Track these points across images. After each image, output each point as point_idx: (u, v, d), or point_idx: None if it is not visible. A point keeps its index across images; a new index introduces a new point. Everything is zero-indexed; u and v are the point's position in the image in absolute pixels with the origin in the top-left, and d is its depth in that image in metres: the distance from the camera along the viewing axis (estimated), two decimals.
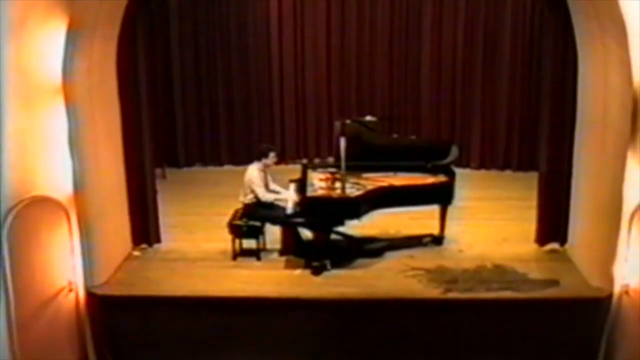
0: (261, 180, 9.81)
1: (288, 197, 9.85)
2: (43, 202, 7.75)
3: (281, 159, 13.35)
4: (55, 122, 8.10)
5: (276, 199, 9.86)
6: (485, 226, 10.99)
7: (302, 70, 14.19)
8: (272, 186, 10.09)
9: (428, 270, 9.56)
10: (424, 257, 10.00)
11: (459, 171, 10.53)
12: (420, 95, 14.22)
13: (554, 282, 9.23)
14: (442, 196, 10.16)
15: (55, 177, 8.12)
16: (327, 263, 9.60)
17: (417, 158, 10.28)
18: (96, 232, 8.84)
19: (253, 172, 9.84)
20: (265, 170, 9.93)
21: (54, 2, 7.75)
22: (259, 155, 9.95)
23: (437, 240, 10.43)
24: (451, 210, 10.32)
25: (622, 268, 8.41)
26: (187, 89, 14.17)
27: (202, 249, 10.23)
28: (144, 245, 10.26)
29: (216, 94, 14.16)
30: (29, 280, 7.52)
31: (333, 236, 10.01)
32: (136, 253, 10.14)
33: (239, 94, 14.20)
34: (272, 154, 9.95)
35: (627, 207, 8.25)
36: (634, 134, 8.11)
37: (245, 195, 9.88)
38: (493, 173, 14.11)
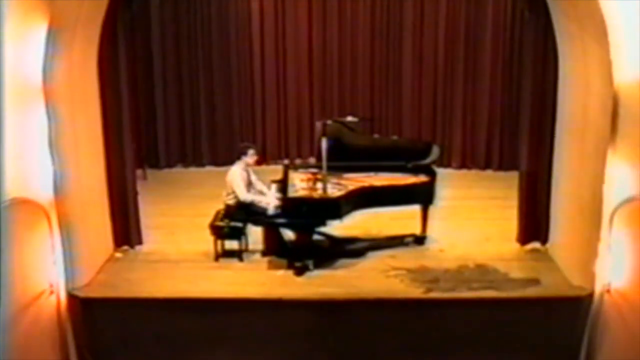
0: (242, 180, 9.78)
1: (269, 198, 9.84)
2: (23, 205, 7.69)
3: (263, 160, 13.40)
4: (35, 123, 8.06)
5: (255, 200, 9.81)
6: (466, 226, 11.02)
7: (283, 70, 14.18)
8: (258, 186, 10.07)
9: (410, 270, 9.59)
10: (405, 257, 10.02)
11: (440, 171, 10.54)
12: (401, 96, 14.23)
13: (535, 281, 9.27)
14: (423, 196, 10.18)
15: (35, 179, 8.07)
16: (310, 263, 9.61)
17: (398, 158, 10.31)
18: (77, 234, 8.79)
19: (235, 171, 9.82)
20: (247, 169, 9.92)
21: (34, 2, 7.71)
22: (239, 155, 9.95)
23: (419, 240, 10.46)
24: (432, 210, 10.35)
25: (602, 267, 8.47)
26: (168, 89, 14.12)
27: (184, 250, 10.21)
28: (125, 247, 10.23)
29: (198, 94, 14.12)
30: (10, 283, 7.47)
31: (315, 237, 10.02)
32: (118, 255, 10.10)
33: (220, 95, 14.16)
34: (250, 152, 9.93)
35: (608, 207, 8.31)
36: (613, 133, 8.17)
37: (228, 195, 9.86)
38: (474, 173, 14.15)
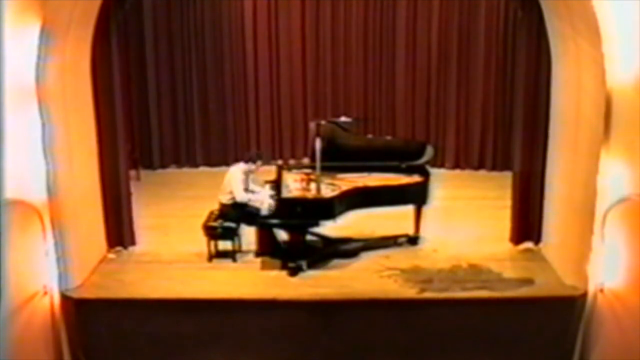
0: (241, 182, 9.78)
1: (263, 199, 9.83)
2: (16, 206, 7.67)
3: None
4: (28, 124, 8.04)
5: (251, 200, 9.82)
6: (460, 226, 11.02)
7: (277, 71, 14.17)
8: (252, 187, 10.06)
9: (403, 270, 9.60)
10: (399, 257, 10.02)
11: (433, 171, 10.57)
12: (395, 96, 14.24)
13: (528, 281, 9.29)
14: (417, 196, 10.18)
15: (28, 180, 8.06)
16: (303, 264, 9.60)
17: (392, 158, 10.32)
18: (70, 235, 8.78)
19: (236, 172, 9.83)
20: (247, 174, 9.91)
21: (27, 2, 7.70)
22: (248, 160, 9.94)
23: (413, 240, 10.46)
24: (426, 210, 10.35)
25: (596, 267, 8.48)
26: (161, 90, 14.10)
27: (177, 251, 10.20)
28: (118, 248, 10.21)
29: (191, 95, 14.10)
30: (3, 284, 7.44)
31: (309, 237, 10.02)
32: (111, 256, 10.09)
33: (213, 95, 14.15)
34: (259, 162, 9.96)
35: (601, 206, 8.32)
36: (606, 133, 8.18)
37: (224, 194, 9.85)
38: (467, 173, 14.15)
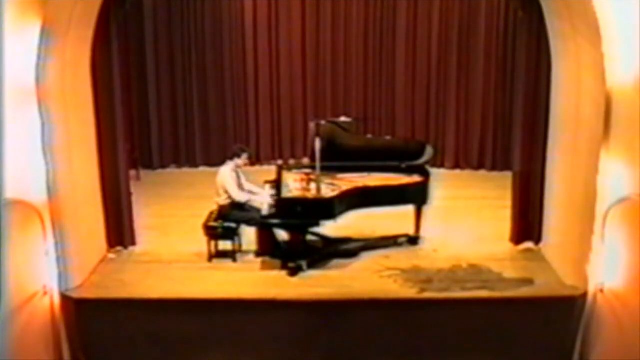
0: (234, 181, 9.79)
1: (263, 199, 9.84)
2: (16, 206, 7.66)
3: (256, 160, 13.45)
4: (28, 124, 8.04)
5: (250, 200, 9.84)
6: (459, 226, 11.02)
7: (277, 71, 14.18)
8: (247, 186, 10.07)
9: (403, 270, 9.59)
10: (399, 257, 10.02)
11: (433, 171, 10.56)
12: (394, 96, 14.24)
13: (528, 281, 9.28)
14: (417, 196, 10.18)
15: (28, 180, 8.05)
16: (303, 264, 9.60)
17: (392, 158, 10.32)
18: (70, 235, 8.78)
19: (225, 172, 9.82)
20: (236, 170, 9.92)
21: (27, 2, 7.69)
22: (232, 156, 9.95)
23: (413, 240, 10.46)
24: (426, 210, 10.34)
25: (596, 267, 8.48)
26: (161, 90, 14.10)
27: (178, 251, 10.20)
28: (118, 248, 10.21)
29: (191, 95, 14.10)
30: (4, 284, 7.44)
31: (309, 237, 10.01)
32: (111, 256, 10.09)
33: (213, 95, 14.15)
34: (244, 155, 9.95)
35: (601, 206, 8.32)
36: (606, 133, 8.18)
37: (220, 196, 9.86)
38: (467, 173, 14.16)
